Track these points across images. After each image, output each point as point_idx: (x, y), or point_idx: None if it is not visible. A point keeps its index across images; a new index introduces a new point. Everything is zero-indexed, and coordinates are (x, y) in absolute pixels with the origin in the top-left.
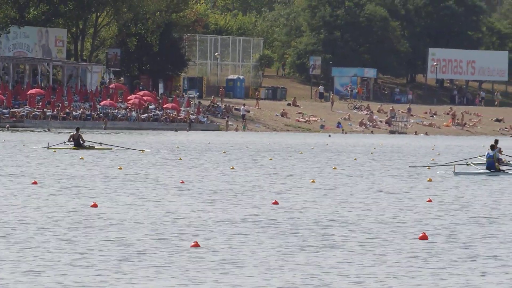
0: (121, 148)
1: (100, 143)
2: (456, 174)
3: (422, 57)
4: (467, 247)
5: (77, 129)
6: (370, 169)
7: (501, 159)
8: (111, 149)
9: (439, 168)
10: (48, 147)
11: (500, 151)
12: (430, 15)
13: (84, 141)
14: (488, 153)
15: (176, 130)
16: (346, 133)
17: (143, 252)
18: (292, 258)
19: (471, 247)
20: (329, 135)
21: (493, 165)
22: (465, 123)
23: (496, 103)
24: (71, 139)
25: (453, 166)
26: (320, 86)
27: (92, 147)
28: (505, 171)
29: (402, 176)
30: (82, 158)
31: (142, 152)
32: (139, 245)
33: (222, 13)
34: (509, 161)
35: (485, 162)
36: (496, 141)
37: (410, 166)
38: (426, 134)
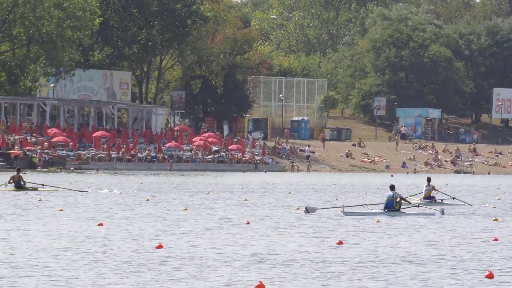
0: (66, 190)
1: (43, 185)
2: (346, 214)
3: (487, 97)
4: None
5: (18, 170)
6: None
7: (399, 201)
8: (56, 190)
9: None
10: None
11: (433, 188)
12: (495, 56)
13: (25, 183)
14: (388, 194)
15: (244, 171)
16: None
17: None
18: None
19: None
20: (392, 175)
21: (392, 205)
22: None
23: None
24: (11, 181)
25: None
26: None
27: (35, 189)
28: (400, 210)
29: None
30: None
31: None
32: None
33: (286, 54)
34: (441, 200)
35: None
36: (429, 179)
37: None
38: (489, 173)
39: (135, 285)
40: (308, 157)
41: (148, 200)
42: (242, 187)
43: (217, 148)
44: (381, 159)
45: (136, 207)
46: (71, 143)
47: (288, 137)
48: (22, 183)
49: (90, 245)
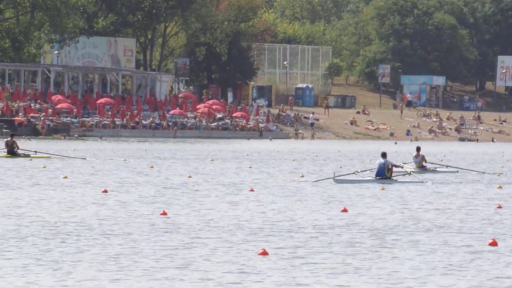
0: (60, 157)
1: (35, 152)
2: (336, 181)
3: (491, 65)
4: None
5: (12, 135)
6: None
7: (391, 168)
8: (49, 157)
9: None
10: None
11: (423, 158)
12: (499, 23)
13: (18, 149)
14: (379, 161)
15: (248, 139)
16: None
17: (207, 256)
18: (359, 262)
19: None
20: (396, 143)
21: (383, 172)
22: None
23: None
24: (6, 146)
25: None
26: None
27: (27, 155)
28: (392, 177)
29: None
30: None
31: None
32: (202, 250)
33: (291, 22)
34: (435, 168)
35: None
36: (418, 148)
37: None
38: (493, 140)
39: (140, 252)
40: (312, 124)
41: (152, 167)
42: (247, 154)
43: (221, 115)
44: (386, 127)
45: (140, 174)
46: (75, 110)
47: (292, 104)
48: (15, 149)
49: (95, 212)
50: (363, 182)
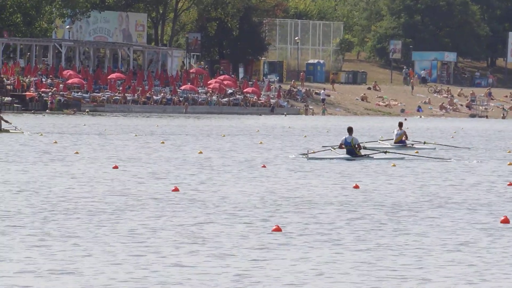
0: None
1: (15, 127)
2: (309, 159)
3: (503, 41)
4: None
5: None
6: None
7: (358, 147)
8: (22, 133)
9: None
10: None
11: (405, 134)
12: None
13: (8, 122)
14: (345, 139)
15: (260, 114)
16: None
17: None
18: (372, 238)
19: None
20: (405, 119)
21: (353, 151)
22: None
23: None
24: None
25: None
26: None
27: (6, 131)
28: (369, 155)
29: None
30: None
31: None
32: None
33: None
34: (412, 144)
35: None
36: (401, 124)
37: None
38: (503, 115)
39: (152, 228)
40: (323, 100)
41: (163, 143)
42: (258, 130)
43: (232, 91)
44: (396, 103)
45: (151, 150)
46: (86, 85)
47: (303, 80)
48: (1, 125)
49: (106, 188)
50: (336, 159)
